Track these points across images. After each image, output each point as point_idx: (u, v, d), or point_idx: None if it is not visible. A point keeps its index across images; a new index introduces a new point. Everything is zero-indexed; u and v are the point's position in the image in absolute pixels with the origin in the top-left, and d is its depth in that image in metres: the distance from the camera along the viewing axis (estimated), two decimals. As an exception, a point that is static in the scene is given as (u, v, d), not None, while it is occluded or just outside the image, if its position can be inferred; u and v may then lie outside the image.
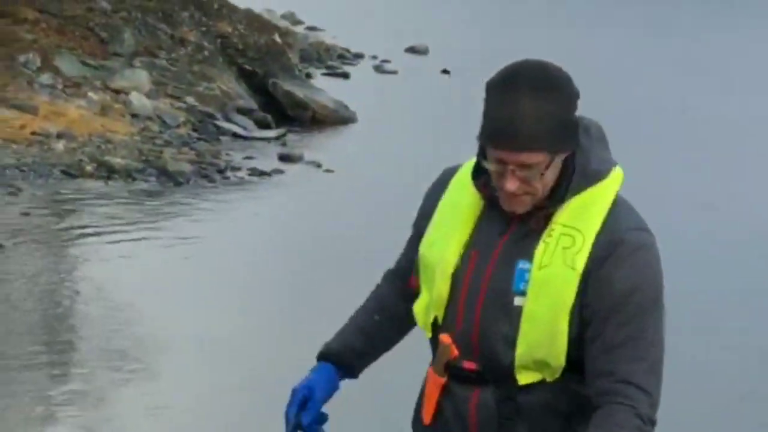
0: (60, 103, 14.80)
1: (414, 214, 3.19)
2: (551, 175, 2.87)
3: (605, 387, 2.85)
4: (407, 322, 3.19)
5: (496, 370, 2.93)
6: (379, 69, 23.65)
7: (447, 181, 3.09)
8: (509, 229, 2.94)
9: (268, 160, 14.93)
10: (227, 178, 13.95)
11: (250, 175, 14.19)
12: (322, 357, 3.20)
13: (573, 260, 2.86)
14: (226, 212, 12.49)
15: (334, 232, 11.65)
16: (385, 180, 14.15)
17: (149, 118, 15.45)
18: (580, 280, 2.86)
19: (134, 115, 15.37)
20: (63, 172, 13.05)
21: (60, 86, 15.20)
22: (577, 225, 2.89)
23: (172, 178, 13.44)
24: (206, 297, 9.66)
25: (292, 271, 10.43)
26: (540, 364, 2.90)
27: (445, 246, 2.99)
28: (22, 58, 15.33)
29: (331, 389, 3.16)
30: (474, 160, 3.02)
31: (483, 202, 2.99)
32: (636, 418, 2.82)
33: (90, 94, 15.32)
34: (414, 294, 3.10)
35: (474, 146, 2.95)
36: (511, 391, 2.93)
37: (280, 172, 14.46)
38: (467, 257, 2.97)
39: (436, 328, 3.03)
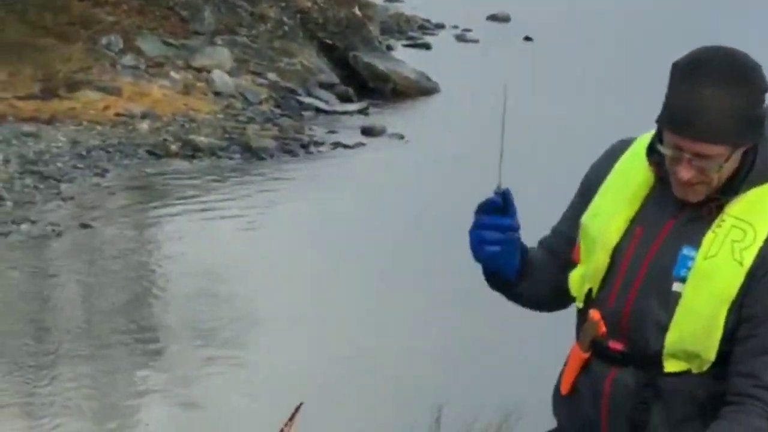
0: (143, 84, 14.91)
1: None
2: (729, 167, 2.76)
3: (745, 389, 2.78)
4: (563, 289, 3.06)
5: (643, 354, 2.85)
6: (460, 38, 23.54)
7: (618, 154, 2.98)
8: (679, 213, 2.84)
9: (350, 134, 14.93)
10: (311, 152, 13.98)
11: (333, 148, 14.20)
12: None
13: (741, 255, 2.77)
14: (311, 186, 12.51)
15: (419, 203, 11.62)
16: (468, 150, 14.06)
17: (231, 96, 15.51)
18: (746, 276, 2.77)
19: (216, 93, 15.45)
20: (148, 152, 13.15)
21: (142, 67, 15.32)
22: (750, 219, 2.79)
23: (255, 154, 13.49)
24: (296, 272, 9.67)
25: (379, 243, 10.40)
26: (689, 355, 2.83)
27: (609, 219, 2.90)
28: (104, 41, 15.47)
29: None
30: (649, 134, 2.92)
31: (655, 180, 2.89)
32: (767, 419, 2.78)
33: (172, 73, 15.42)
34: (573, 265, 3.00)
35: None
36: (654, 376, 2.86)
37: (362, 145, 14.46)
38: (631, 233, 2.88)
39: (588, 300, 2.94)
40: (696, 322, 2.79)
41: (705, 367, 2.83)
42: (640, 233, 2.86)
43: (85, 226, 10.84)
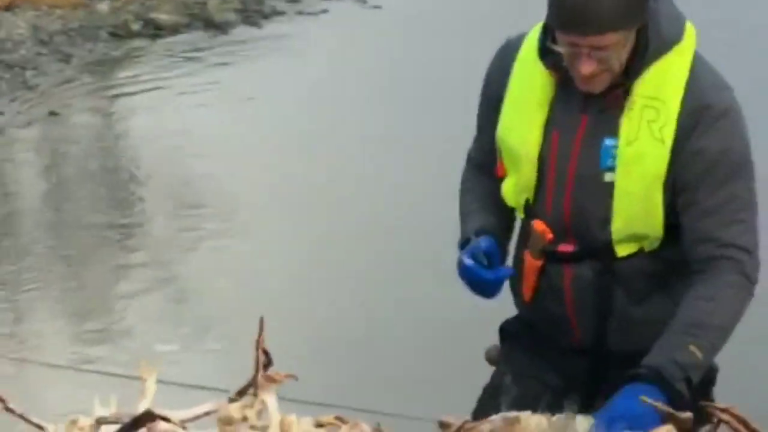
0: (98, -38, 14.63)
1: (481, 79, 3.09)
2: (627, 50, 2.79)
3: (708, 252, 2.84)
4: (509, 214, 3.12)
5: (593, 248, 2.93)
6: None
7: (510, 60, 3.00)
8: (588, 107, 2.88)
9: (312, 1, 14.74)
10: (273, 22, 13.82)
11: (296, 16, 14.03)
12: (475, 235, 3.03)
13: (661, 133, 2.81)
14: (276, 57, 12.39)
15: (385, 67, 11.54)
16: (432, 13, 13.93)
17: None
18: (671, 152, 2.82)
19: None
20: (110, 33, 12.99)
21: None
22: (659, 95, 2.83)
23: (218, 28, 13.34)
24: (267, 147, 9.62)
25: (350, 109, 10.35)
26: (638, 238, 2.90)
27: (525, 130, 2.94)
28: None
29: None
30: (534, 32, 2.94)
31: (556, 81, 2.91)
32: (742, 276, 2.83)
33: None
34: (500, 179, 3.05)
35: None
36: (609, 263, 2.93)
37: (326, 12, 14.29)
38: (549, 139, 2.92)
39: (527, 209, 3.00)
40: (635, 206, 2.85)
41: (656, 245, 2.91)
42: (557, 137, 2.91)
43: (53, 114, 10.74)
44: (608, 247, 2.91)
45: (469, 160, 3.21)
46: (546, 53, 2.87)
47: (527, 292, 3.04)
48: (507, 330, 3.20)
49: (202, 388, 2.43)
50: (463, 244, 3.02)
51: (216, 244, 7.83)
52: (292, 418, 2.19)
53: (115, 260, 7.75)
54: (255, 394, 2.17)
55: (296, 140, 9.65)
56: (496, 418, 2.58)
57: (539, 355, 3.10)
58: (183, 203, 8.72)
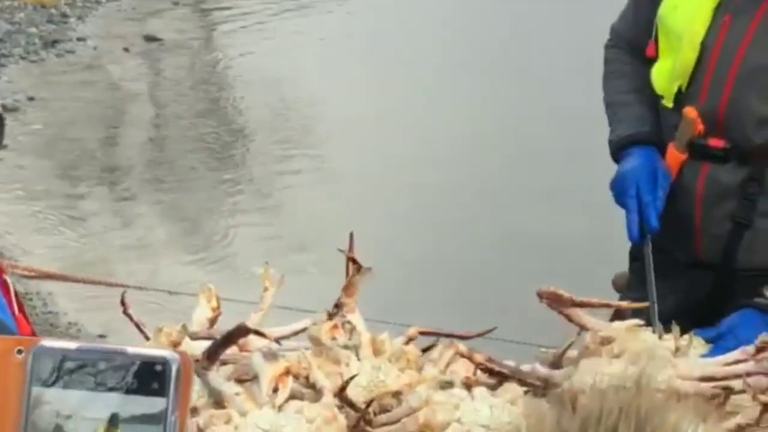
0: None
1: None
2: None
3: None
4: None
5: (744, 150, 2.69)
6: None
7: None
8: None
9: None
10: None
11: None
12: (633, 144, 2.80)
13: None
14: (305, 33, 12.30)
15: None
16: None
17: None
18: None
19: None
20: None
21: None
22: None
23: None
24: (362, 71, 9.57)
25: (472, 49, 10.25)
26: None
27: (692, 10, 2.66)
28: None
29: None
30: None
31: None
32: None
33: None
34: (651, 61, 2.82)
35: None
36: (757, 170, 2.70)
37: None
38: (718, 23, 2.64)
39: (678, 98, 2.73)
40: None
41: None
42: (729, 22, 2.66)
43: (150, 38, 10.79)
44: (761, 151, 2.67)
45: (618, 36, 2.95)
46: None
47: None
48: (633, 251, 2.93)
49: (299, 310, 2.39)
50: (622, 143, 2.78)
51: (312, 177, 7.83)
52: (384, 336, 2.15)
53: (219, 181, 7.79)
54: (343, 315, 2.15)
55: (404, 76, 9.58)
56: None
57: (661, 274, 2.76)
58: (276, 127, 8.72)
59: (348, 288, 2.21)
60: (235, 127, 8.90)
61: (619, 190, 2.73)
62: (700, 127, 2.69)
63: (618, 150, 2.80)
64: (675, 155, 2.76)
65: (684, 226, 2.78)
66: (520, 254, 6.28)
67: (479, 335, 2.28)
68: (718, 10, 2.65)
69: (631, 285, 2.90)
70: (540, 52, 9.59)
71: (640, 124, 2.81)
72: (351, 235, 2.25)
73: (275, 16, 11.55)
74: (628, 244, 2.85)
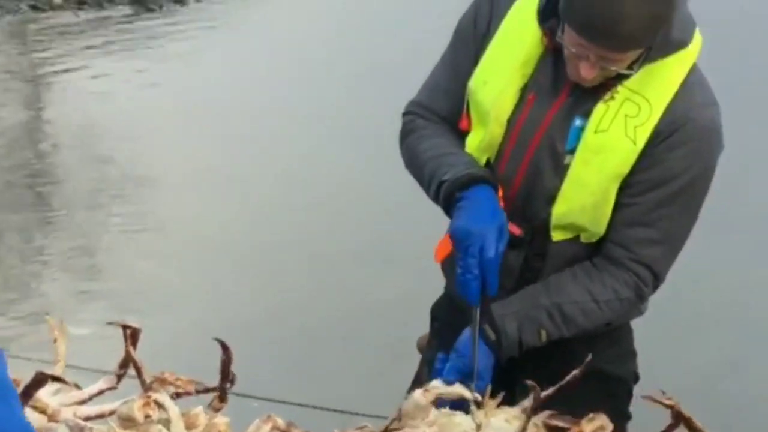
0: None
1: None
2: (633, 59, 2.59)
3: (621, 259, 2.74)
4: None
5: (530, 226, 2.76)
6: None
7: (502, 4, 2.76)
8: (570, 83, 2.67)
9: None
10: (200, 0, 13.60)
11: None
12: (480, 179, 2.70)
13: (635, 133, 2.63)
14: (204, 34, 12.18)
15: (323, 43, 11.38)
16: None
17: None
18: (639, 155, 2.65)
19: (100, -59, 14.89)
20: (31, 6, 12.71)
21: None
22: (646, 93, 2.64)
23: (144, 5, 13.10)
24: (193, 125, 9.42)
25: (280, 86, 10.16)
26: (578, 228, 2.75)
27: (502, 89, 2.72)
28: None
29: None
30: None
31: (547, 44, 2.69)
32: (637, 298, 2.77)
33: None
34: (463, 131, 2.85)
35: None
36: (542, 245, 2.78)
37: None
38: (523, 100, 2.72)
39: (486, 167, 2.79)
40: (585, 196, 2.69)
41: (594, 239, 2.77)
42: (533, 100, 2.71)
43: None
44: (546, 228, 2.76)
45: (425, 108, 2.93)
46: (546, 17, 2.66)
47: (441, 251, 2.76)
48: (433, 310, 3.08)
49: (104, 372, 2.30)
50: (462, 180, 2.68)
51: (130, 227, 7.62)
52: (198, 409, 2.07)
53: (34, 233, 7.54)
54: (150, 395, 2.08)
55: (227, 118, 9.46)
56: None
57: (457, 334, 2.86)
58: (100, 183, 8.51)
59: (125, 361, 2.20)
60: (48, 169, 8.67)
61: (463, 245, 2.63)
62: (503, 204, 2.71)
63: (458, 189, 2.69)
64: None
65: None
66: (357, 321, 6.16)
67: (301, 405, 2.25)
68: (525, 89, 2.71)
69: (432, 344, 2.99)
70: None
71: (477, 165, 2.77)
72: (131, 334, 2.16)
73: (104, 57, 11.34)
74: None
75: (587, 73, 2.57)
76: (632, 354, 3.06)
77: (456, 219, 2.65)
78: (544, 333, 2.75)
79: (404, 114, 2.96)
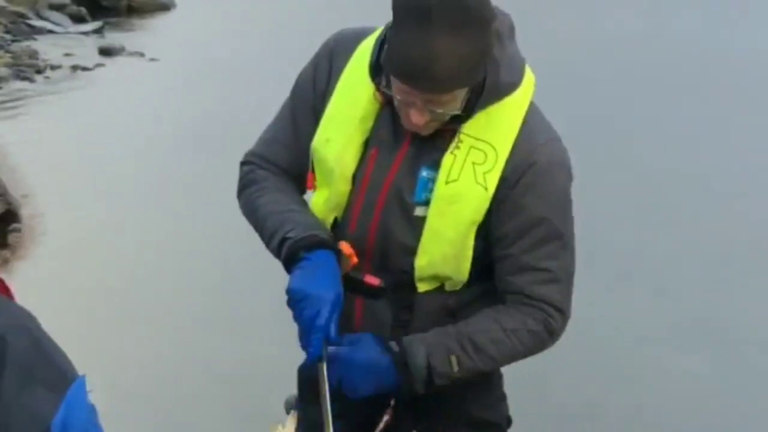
0: None
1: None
2: (461, 102, 2.60)
3: (518, 303, 2.76)
4: None
5: (395, 281, 2.77)
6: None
7: (343, 60, 2.76)
8: (412, 134, 2.68)
9: (88, 55, 14.38)
10: (48, 77, 13.39)
11: (72, 71, 13.64)
12: (317, 244, 2.72)
13: (485, 179, 2.65)
14: (51, 113, 11.97)
15: (168, 119, 11.29)
16: (211, 63, 13.77)
17: (-44, 24, 14.72)
18: (491, 200, 2.67)
19: (-60, 22, 14.62)
20: None
21: None
22: (489, 139, 2.65)
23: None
24: (51, 202, 9.22)
25: (133, 162, 10.05)
26: (441, 278, 2.76)
27: (344, 145, 2.72)
28: None
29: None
30: (371, 38, 2.73)
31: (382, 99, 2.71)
32: (545, 330, 2.77)
33: None
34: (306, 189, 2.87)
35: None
36: (409, 298, 2.78)
37: (102, 65, 13.95)
38: (366, 157, 2.72)
39: (335, 227, 2.80)
40: (444, 247, 2.70)
41: (459, 287, 2.78)
42: (376, 155, 2.72)
43: None
44: (409, 281, 2.76)
45: (265, 159, 2.91)
46: (378, 72, 2.66)
47: None
48: (302, 373, 3.04)
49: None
50: (306, 242, 2.69)
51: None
52: None
53: None
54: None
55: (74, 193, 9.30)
56: None
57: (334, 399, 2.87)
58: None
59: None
60: None
61: (298, 306, 2.65)
62: (355, 260, 2.74)
63: (302, 249, 2.70)
64: None
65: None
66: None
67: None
68: (367, 144, 2.72)
69: (300, 400, 2.99)
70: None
71: (321, 227, 2.77)
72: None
73: None
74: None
75: (417, 120, 2.57)
76: (503, 397, 3.07)
77: (295, 278, 2.65)
78: (454, 359, 2.72)
79: (242, 164, 2.94)
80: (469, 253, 2.71)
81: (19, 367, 1.52)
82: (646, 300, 7.09)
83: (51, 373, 1.55)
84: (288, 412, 3.02)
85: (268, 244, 2.79)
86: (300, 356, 2.74)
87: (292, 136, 2.85)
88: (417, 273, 2.74)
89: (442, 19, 2.43)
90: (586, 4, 20.47)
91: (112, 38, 15.46)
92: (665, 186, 9.40)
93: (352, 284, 2.76)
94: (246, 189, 2.89)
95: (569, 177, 2.75)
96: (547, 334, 2.78)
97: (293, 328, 2.68)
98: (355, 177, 2.73)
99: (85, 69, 13.71)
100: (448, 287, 2.78)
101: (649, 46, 16.03)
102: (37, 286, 7.31)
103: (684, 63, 14.93)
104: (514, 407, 3.08)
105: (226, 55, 14.19)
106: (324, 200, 2.79)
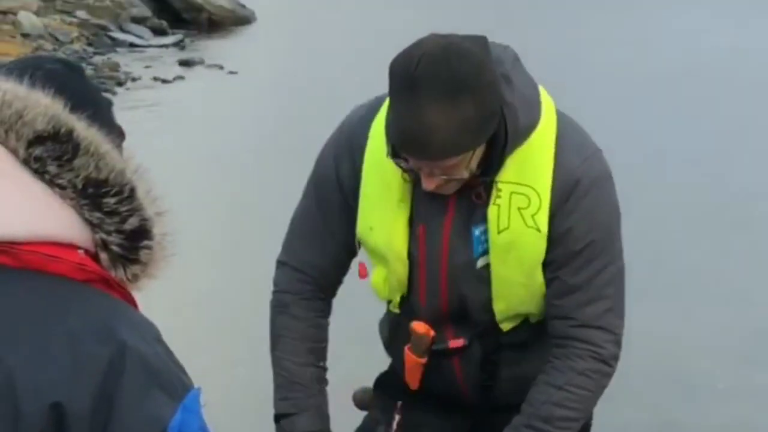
0: (-54, 29, 14.28)
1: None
2: (477, 158, 2.56)
3: (564, 331, 2.73)
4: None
5: (479, 334, 2.80)
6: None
7: (357, 151, 2.73)
8: (453, 200, 2.67)
9: (168, 67, 14.58)
10: (129, 89, 13.59)
11: (152, 83, 13.84)
12: None
13: (535, 221, 2.64)
14: (132, 125, 12.13)
15: (246, 131, 11.39)
16: (290, 77, 13.87)
17: (41, 37, 14.99)
18: (547, 240, 2.66)
19: (25, 35, 14.90)
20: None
21: (-56, 11, 14.66)
22: (527, 181, 2.63)
23: (108, 95, 13.09)
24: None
25: (213, 173, 10.16)
26: (521, 315, 2.78)
27: (390, 231, 2.72)
28: None
29: None
30: (379, 119, 2.69)
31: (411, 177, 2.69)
32: (596, 361, 2.74)
33: (-24, 17, 14.80)
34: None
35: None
36: (495, 339, 2.81)
37: (181, 78, 14.14)
38: (415, 236, 2.71)
39: (402, 303, 2.82)
40: (516, 290, 2.72)
41: (541, 318, 2.79)
42: (424, 232, 2.71)
43: None
44: (493, 326, 2.78)
45: (298, 269, 2.91)
46: (396, 153, 2.59)
47: (413, 383, 2.87)
48: (383, 381, 3.04)
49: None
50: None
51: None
52: None
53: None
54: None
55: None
56: None
57: (424, 409, 2.95)
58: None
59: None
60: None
61: None
62: (432, 334, 2.78)
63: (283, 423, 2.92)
64: (413, 360, 2.83)
65: (448, 393, 2.90)
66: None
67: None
68: (411, 224, 2.71)
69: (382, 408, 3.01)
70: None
71: (319, 421, 2.91)
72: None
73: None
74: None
75: (429, 185, 2.55)
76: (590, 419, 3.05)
77: None
78: None
79: (278, 264, 2.96)
80: (542, 289, 2.72)
81: (140, 372, 1.59)
82: (720, 312, 7.04)
83: (170, 379, 1.62)
84: (359, 407, 3.05)
85: (275, 384, 2.94)
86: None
87: (326, 236, 2.84)
88: (498, 317, 2.76)
89: (432, 89, 2.40)
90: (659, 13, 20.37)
91: (192, 51, 15.67)
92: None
93: (440, 354, 2.82)
94: (276, 316, 2.94)
95: (611, 188, 2.73)
96: (599, 364, 2.75)
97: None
98: (410, 257, 2.73)
99: (165, 81, 13.91)
100: (532, 320, 2.81)
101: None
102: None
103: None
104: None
105: (304, 69, 14.29)
106: (383, 279, 2.81)
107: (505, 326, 2.79)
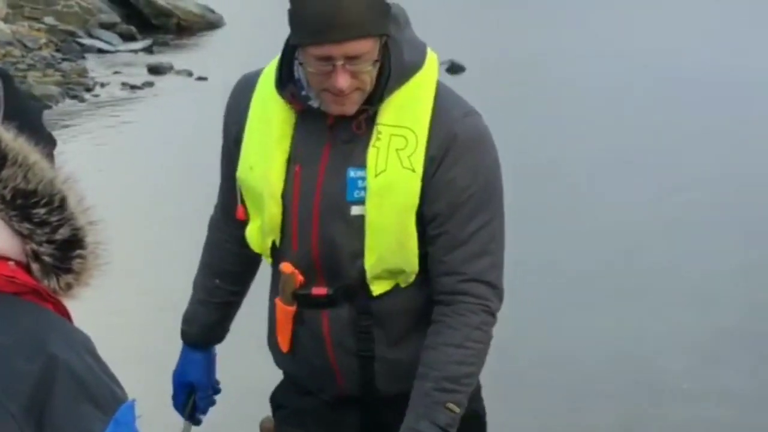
0: None
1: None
2: (375, 69, 2.68)
3: (452, 286, 2.78)
4: (250, 267, 3.14)
5: (347, 288, 2.82)
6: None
7: (246, 98, 2.87)
8: (330, 138, 2.76)
9: (137, 73, 14.54)
10: (97, 95, 13.56)
11: (121, 89, 13.81)
12: (186, 340, 3.24)
13: (410, 162, 2.72)
14: (100, 131, 12.12)
15: (216, 135, 11.36)
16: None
17: (9, 43, 14.93)
18: (421, 181, 2.73)
19: (-8, 42, 14.83)
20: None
21: None
22: (406, 123, 2.73)
23: (39, 102, 13.01)
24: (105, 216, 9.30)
25: (180, 180, 10.15)
26: (392, 272, 2.80)
27: (266, 167, 2.80)
28: None
29: (208, 366, 3.25)
30: (271, 65, 2.83)
31: (296, 114, 2.79)
32: (486, 314, 2.79)
33: (-57, 24, 14.74)
34: (245, 223, 2.94)
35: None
36: (365, 303, 2.83)
37: (150, 84, 14.10)
38: (291, 174, 2.78)
39: (275, 252, 2.88)
40: (388, 239, 2.75)
41: (412, 279, 2.81)
42: (300, 171, 2.78)
43: None
44: (363, 285, 2.81)
45: (212, 218, 3.19)
46: (284, 84, 2.75)
47: (284, 342, 2.91)
48: (276, 398, 3.11)
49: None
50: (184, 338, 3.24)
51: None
52: None
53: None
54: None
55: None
56: None
57: (311, 417, 2.99)
58: None
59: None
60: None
61: (174, 384, 3.25)
62: (300, 278, 2.81)
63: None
64: (283, 308, 2.86)
65: (321, 371, 2.90)
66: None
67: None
68: (289, 164, 2.79)
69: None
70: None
71: (190, 323, 3.22)
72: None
73: None
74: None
75: (342, 81, 2.62)
76: (479, 390, 3.07)
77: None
78: (452, 405, 2.75)
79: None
80: (414, 241, 2.76)
81: (71, 385, 1.58)
82: (684, 312, 7.08)
83: (102, 392, 1.61)
84: None
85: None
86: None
87: (230, 181, 2.96)
88: (369, 273, 2.78)
89: None
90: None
91: (161, 56, 15.63)
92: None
93: (304, 301, 2.84)
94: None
95: (493, 147, 2.82)
96: (490, 318, 2.80)
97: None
98: (284, 198, 2.79)
99: (133, 87, 13.88)
100: (402, 283, 2.82)
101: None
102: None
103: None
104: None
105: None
106: (258, 228, 2.86)
107: (376, 287, 2.80)
